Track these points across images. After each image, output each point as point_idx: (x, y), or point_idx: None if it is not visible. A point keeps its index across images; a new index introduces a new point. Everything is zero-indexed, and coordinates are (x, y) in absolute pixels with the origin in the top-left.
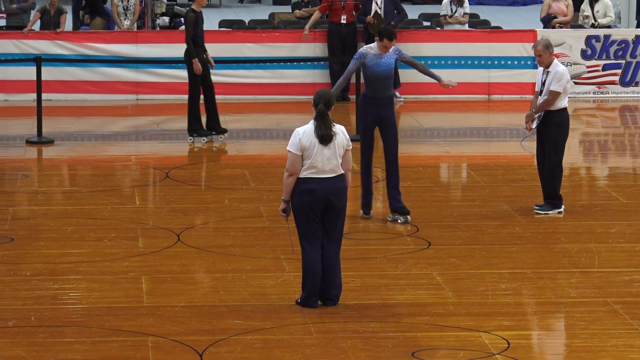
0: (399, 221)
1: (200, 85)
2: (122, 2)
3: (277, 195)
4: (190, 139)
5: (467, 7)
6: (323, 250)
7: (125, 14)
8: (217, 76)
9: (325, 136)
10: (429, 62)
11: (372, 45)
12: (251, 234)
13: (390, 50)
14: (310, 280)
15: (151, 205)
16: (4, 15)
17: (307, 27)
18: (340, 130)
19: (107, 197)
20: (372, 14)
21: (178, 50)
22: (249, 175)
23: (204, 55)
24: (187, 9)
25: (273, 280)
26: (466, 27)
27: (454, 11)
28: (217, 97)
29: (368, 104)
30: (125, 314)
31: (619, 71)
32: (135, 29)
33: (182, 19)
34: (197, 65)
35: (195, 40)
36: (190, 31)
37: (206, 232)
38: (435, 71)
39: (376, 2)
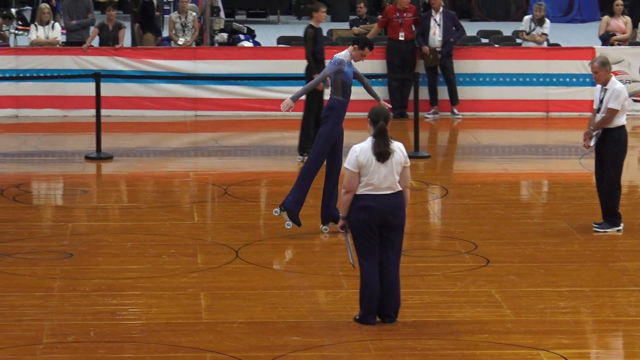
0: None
1: (320, 103)
2: (180, 19)
3: None
4: (300, 158)
5: (547, 28)
6: (382, 267)
7: (183, 31)
8: (276, 92)
9: (383, 153)
10: (487, 80)
11: (345, 53)
12: (309, 250)
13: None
14: (368, 297)
15: (210, 222)
16: (65, 31)
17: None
18: (398, 148)
19: (166, 213)
20: (430, 31)
21: (237, 66)
22: None
23: None
24: (307, 25)
25: (331, 296)
26: (544, 45)
27: (532, 28)
28: (275, 113)
29: (344, 109)
30: (184, 330)
31: None
32: (194, 45)
33: (240, 36)
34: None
35: (315, 56)
36: (310, 47)
37: (264, 248)
38: (491, 89)
39: (435, 19)
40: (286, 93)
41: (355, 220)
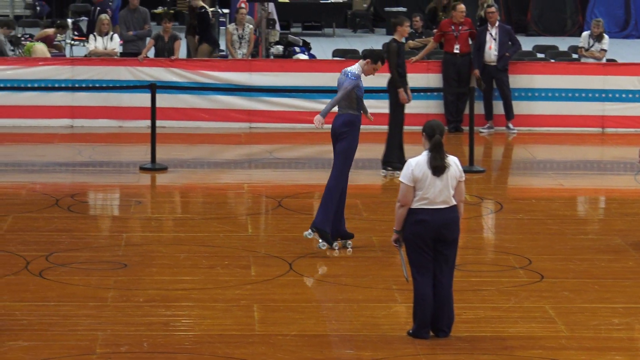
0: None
1: (403, 117)
2: (237, 31)
3: (389, 226)
4: (384, 173)
5: (605, 44)
6: (435, 282)
7: (240, 43)
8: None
9: (439, 167)
10: (542, 95)
11: (356, 67)
12: (363, 263)
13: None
14: (421, 311)
15: (263, 234)
16: (122, 42)
17: (418, 56)
18: (453, 162)
19: (220, 224)
20: (486, 45)
21: (292, 79)
22: (361, 205)
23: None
24: (390, 39)
25: (385, 310)
26: (603, 61)
27: (591, 45)
28: (329, 126)
29: (360, 123)
30: (237, 341)
31: None
32: (249, 57)
33: (295, 48)
34: (403, 95)
35: (398, 71)
36: (393, 61)
37: (318, 261)
38: (546, 104)
39: (491, 34)
40: None
41: (409, 234)
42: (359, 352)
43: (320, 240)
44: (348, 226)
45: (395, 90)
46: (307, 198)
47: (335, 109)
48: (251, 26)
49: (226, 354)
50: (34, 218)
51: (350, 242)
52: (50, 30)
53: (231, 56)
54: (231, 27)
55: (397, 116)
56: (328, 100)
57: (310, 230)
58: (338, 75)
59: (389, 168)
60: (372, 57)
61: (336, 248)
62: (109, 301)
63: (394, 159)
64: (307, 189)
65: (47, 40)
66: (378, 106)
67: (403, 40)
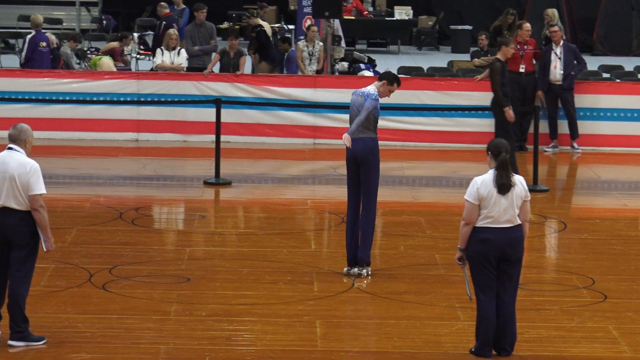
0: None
1: (510, 130)
2: (308, 48)
3: (452, 244)
4: None
5: None
6: (498, 300)
7: (310, 59)
8: (395, 122)
9: (505, 185)
10: (608, 114)
11: (372, 88)
12: (426, 281)
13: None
14: (484, 329)
15: (326, 250)
16: (188, 57)
17: (483, 75)
18: (519, 181)
19: (283, 240)
20: (551, 65)
21: None
22: (424, 222)
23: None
24: (494, 57)
25: (447, 328)
26: None
27: None
28: (394, 143)
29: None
30: (299, 357)
31: None
32: (314, 74)
33: (360, 65)
34: (510, 114)
35: (502, 90)
36: (497, 80)
37: (381, 278)
38: (611, 123)
39: (555, 52)
40: (405, 123)
41: (473, 253)
42: None
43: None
44: (411, 243)
45: (500, 110)
46: None
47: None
48: (321, 43)
49: None
50: (98, 231)
51: (365, 269)
52: (115, 44)
53: (301, 72)
54: (302, 43)
55: (504, 136)
56: (392, 117)
57: (356, 269)
58: (402, 92)
59: None
60: (389, 79)
61: (355, 274)
62: (172, 315)
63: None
64: None
65: (113, 53)
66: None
67: (506, 59)
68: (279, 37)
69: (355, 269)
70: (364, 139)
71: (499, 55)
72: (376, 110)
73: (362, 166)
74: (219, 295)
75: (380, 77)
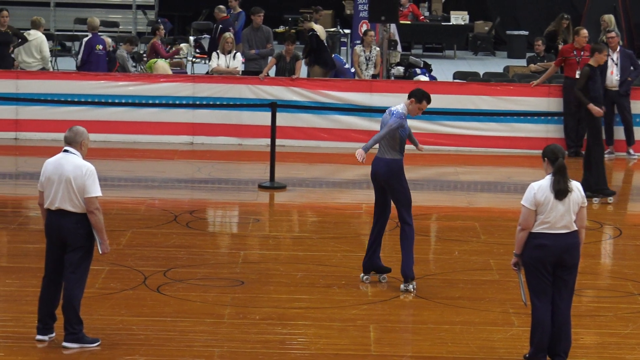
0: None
1: (601, 138)
2: (365, 53)
3: (507, 249)
4: (596, 200)
5: None
6: (553, 306)
7: (367, 64)
8: (450, 127)
9: (562, 191)
10: None
11: (402, 106)
12: (480, 286)
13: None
14: (538, 335)
15: (381, 254)
16: (244, 60)
17: (539, 80)
18: (575, 187)
19: (337, 244)
20: (608, 70)
21: None
22: (479, 227)
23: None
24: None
25: (501, 333)
26: None
27: None
28: (449, 148)
29: (403, 169)
30: None
31: None
32: (369, 78)
33: (416, 70)
34: (595, 109)
35: (591, 94)
36: (581, 83)
37: (435, 282)
38: None
39: (612, 58)
40: (460, 128)
41: (529, 259)
42: None
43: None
44: (465, 249)
45: (592, 119)
46: (425, 219)
47: (376, 148)
48: (378, 48)
49: None
50: (153, 233)
51: (385, 276)
52: (153, 39)
53: (358, 77)
54: (358, 48)
55: (596, 138)
56: (447, 122)
57: (408, 285)
58: (458, 97)
59: (601, 195)
60: (417, 96)
61: (367, 282)
62: (226, 318)
63: (604, 185)
64: (425, 210)
65: (157, 50)
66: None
67: (598, 65)
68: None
69: (368, 277)
70: (386, 160)
71: (591, 62)
72: (403, 130)
73: (387, 188)
74: (273, 298)
75: (410, 94)
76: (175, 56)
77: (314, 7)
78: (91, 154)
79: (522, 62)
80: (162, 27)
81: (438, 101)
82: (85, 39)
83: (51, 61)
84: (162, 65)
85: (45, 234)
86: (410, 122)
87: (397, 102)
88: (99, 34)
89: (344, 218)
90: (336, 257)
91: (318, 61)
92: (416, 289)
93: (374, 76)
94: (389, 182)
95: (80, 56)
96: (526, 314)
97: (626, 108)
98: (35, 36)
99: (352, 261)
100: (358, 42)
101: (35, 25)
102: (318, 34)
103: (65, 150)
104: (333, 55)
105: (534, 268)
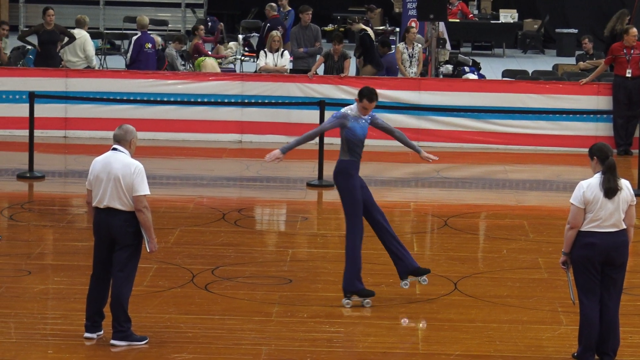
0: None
1: None
2: (407, 50)
3: (556, 248)
4: None
5: None
6: (602, 305)
7: (410, 62)
8: (499, 126)
9: (612, 189)
10: None
11: (351, 107)
12: (529, 285)
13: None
14: (587, 334)
15: (429, 252)
16: (292, 59)
17: (588, 79)
18: (625, 185)
19: None
20: None
21: (460, 98)
22: (527, 226)
23: None
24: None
25: (550, 332)
26: None
27: None
28: (498, 146)
29: (354, 169)
30: None
31: None
32: (418, 76)
33: (465, 68)
34: None
35: None
36: None
37: (483, 281)
38: None
39: None
40: (509, 127)
41: (578, 257)
42: None
43: (366, 299)
44: (514, 247)
45: None
46: (473, 218)
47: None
48: (420, 45)
49: None
50: (201, 232)
51: (425, 277)
52: (195, 40)
53: (402, 75)
54: (401, 46)
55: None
56: (496, 121)
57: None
58: (507, 96)
59: None
60: (359, 95)
61: (406, 287)
62: (274, 316)
63: None
64: (473, 208)
65: (199, 50)
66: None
67: None
68: (377, 41)
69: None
70: (339, 161)
71: None
72: (347, 131)
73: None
74: (321, 297)
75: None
76: (223, 57)
77: (368, 5)
78: (140, 152)
79: (572, 60)
80: (202, 27)
81: (487, 99)
82: (134, 38)
83: (100, 60)
84: (211, 63)
85: (94, 232)
86: (460, 120)
87: (446, 101)
88: (148, 32)
89: (392, 217)
90: (384, 255)
91: (371, 61)
92: (368, 304)
93: (422, 74)
94: (336, 185)
95: (129, 54)
96: (574, 313)
97: None
98: (79, 35)
99: None
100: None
101: (80, 24)
102: (369, 33)
103: (114, 149)
104: (388, 53)
105: (583, 266)
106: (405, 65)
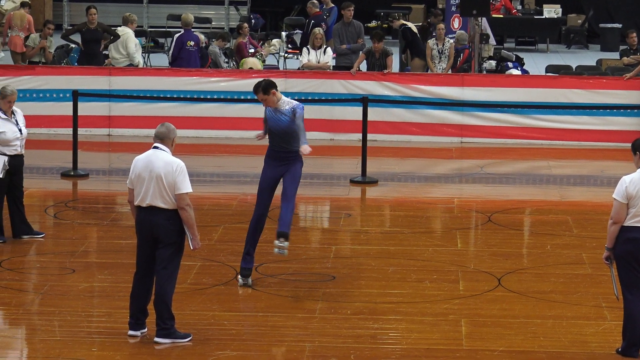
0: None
1: None
2: (437, 46)
3: (600, 243)
4: None
5: None
6: None
7: (440, 58)
8: (543, 121)
9: None
10: None
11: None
12: (573, 280)
13: (286, 106)
14: (631, 330)
15: (473, 249)
16: (335, 55)
17: (632, 73)
18: None
19: (429, 238)
20: None
21: (504, 94)
22: (571, 221)
23: None
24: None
25: (594, 328)
26: None
27: None
28: (542, 142)
29: (268, 154)
30: (443, 356)
31: None
32: (448, 72)
33: (508, 63)
34: None
35: None
36: None
37: (527, 277)
38: None
39: None
40: (553, 122)
41: (621, 252)
42: None
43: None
44: (558, 243)
45: None
46: (517, 214)
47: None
48: (451, 41)
49: None
50: (245, 229)
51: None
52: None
53: (430, 70)
54: (431, 42)
55: None
56: (540, 116)
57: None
58: (551, 91)
59: None
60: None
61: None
62: (317, 313)
63: None
64: (517, 204)
65: (241, 50)
66: None
67: None
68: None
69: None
70: None
71: None
72: (266, 119)
73: None
74: (365, 293)
75: None
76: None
77: (390, 16)
78: (183, 150)
79: (615, 55)
80: (246, 25)
81: (530, 95)
82: (176, 35)
83: (143, 57)
84: (254, 60)
85: (136, 231)
86: (503, 116)
87: (489, 96)
88: (192, 30)
89: (436, 212)
90: (427, 251)
91: (417, 53)
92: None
93: (465, 70)
94: None
95: (171, 52)
96: (619, 308)
97: None
98: (123, 32)
99: (443, 255)
100: (452, 35)
101: (125, 22)
102: (410, 27)
103: (155, 147)
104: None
105: (626, 262)
106: (434, 61)
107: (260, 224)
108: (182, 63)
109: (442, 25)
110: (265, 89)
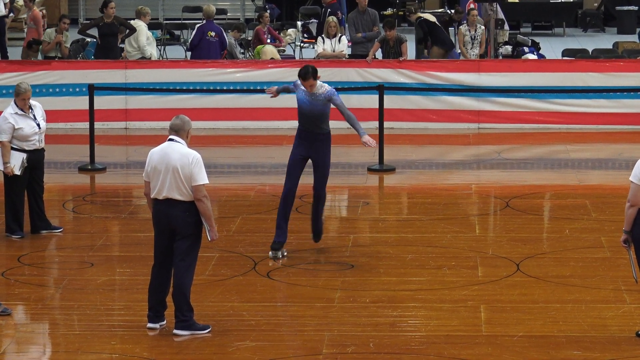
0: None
1: None
2: (470, 32)
3: (618, 226)
4: None
5: None
6: None
7: (472, 43)
8: (560, 105)
9: None
10: None
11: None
12: (591, 264)
13: (321, 91)
14: None
15: (491, 234)
16: (350, 44)
17: None
18: None
19: (447, 225)
20: None
21: (520, 79)
22: (590, 205)
23: None
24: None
25: (613, 311)
26: None
27: None
28: (559, 126)
29: (299, 135)
30: (463, 342)
31: None
32: (477, 58)
33: (524, 48)
34: None
35: None
36: None
37: (546, 261)
38: None
39: None
40: (570, 106)
41: (639, 235)
42: (587, 354)
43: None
44: (576, 227)
45: None
46: (535, 198)
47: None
48: (483, 27)
49: (452, 355)
50: (263, 219)
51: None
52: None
53: (463, 57)
54: (463, 28)
55: None
56: (557, 100)
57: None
58: (567, 75)
59: None
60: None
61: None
62: (336, 302)
63: None
64: (535, 189)
65: (259, 37)
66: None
67: None
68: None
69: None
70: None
71: None
72: (297, 101)
73: None
74: (383, 281)
75: None
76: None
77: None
78: (200, 142)
79: (633, 38)
80: (267, 14)
81: (546, 79)
82: (198, 25)
83: (159, 50)
84: (271, 50)
85: (153, 224)
86: (520, 101)
87: (506, 82)
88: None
89: (454, 199)
90: (446, 238)
91: (436, 42)
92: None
93: (481, 56)
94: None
95: (190, 38)
96: (638, 291)
97: None
98: (136, 25)
99: (462, 242)
100: (465, 22)
101: (138, 15)
102: (426, 17)
103: (171, 139)
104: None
105: None
106: (467, 47)
107: (289, 198)
108: (201, 53)
109: (475, 12)
110: (314, 74)
